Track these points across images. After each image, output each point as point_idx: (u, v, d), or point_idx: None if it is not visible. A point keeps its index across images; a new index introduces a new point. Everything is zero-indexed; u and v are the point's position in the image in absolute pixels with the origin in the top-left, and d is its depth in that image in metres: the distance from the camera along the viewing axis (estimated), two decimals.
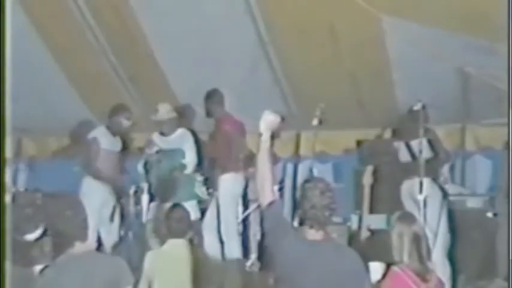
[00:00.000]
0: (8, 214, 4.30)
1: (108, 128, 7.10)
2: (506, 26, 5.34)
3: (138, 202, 7.05)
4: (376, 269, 4.40)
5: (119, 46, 7.67)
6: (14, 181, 8.44)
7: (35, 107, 8.14)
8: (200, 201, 7.10)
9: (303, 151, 8.13)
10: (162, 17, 7.14)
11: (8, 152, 7.64)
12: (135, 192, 7.12)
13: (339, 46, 7.09)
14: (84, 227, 3.97)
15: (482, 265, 6.72)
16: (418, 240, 4.26)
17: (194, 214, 6.57)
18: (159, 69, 7.74)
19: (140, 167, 7.09)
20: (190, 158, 7.07)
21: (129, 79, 8.06)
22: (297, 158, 8.27)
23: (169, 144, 7.07)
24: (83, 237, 3.95)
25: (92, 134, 7.05)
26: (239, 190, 6.99)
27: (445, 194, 6.68)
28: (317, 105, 6.66)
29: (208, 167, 7.21)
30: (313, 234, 3.88)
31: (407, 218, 4.45)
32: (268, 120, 3.86)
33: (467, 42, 6.49)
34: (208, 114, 7.13)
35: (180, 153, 7.07)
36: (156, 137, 7.13)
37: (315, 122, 6.59)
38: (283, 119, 3.97)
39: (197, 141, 7.26)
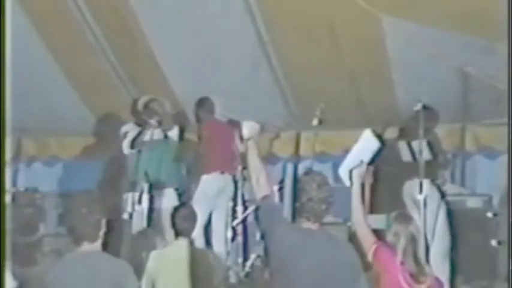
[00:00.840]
0: (8, 214, 4.30)
1: (137, 123, 7.05)
2: (506, 26, 5.35)
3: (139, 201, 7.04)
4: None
5: (119, 46, 7.67)
6: (14, 181, 8.44)
7: (35, 107, 8.15)
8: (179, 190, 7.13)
9: (303, 151, 8.12)
10: (162, 17, 7.14)
11: (8, 152, 7.64)
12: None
13: (339, 46, 7.09)
14: (97, 228, 3.96)
15: (482, 265, 6.72)
16: (414, 241, 4.25)
17: (171, 203, 6.56)
18: (159, 69, 7.74)
19: (127, 151, 6.91)
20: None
21: (129, 79, 8.07)
22: (297, 158, 8.26)
23: (154, 136, 6.90)
24: (93, 238, 3.95)
25: (124, 129, 7.02)
26: (213, 191, 7.11)
27: (443, 195, 6.68)
28: (317, 105, 6.66)
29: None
30: (309, 225, 3.95)
31: (405, 218, 4.43)
32: (249, 127, 4.25)
33: (467, 42, 6.49)
34: (198, 120, 7.36)
35: (163, 142, 6.99)
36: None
37: (315, 122, 6.60)
38: (262, 125, 4.42)
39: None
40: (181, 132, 7.22)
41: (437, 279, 4.40)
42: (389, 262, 4.19)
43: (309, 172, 4.30)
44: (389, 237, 4.28)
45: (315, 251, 3.85)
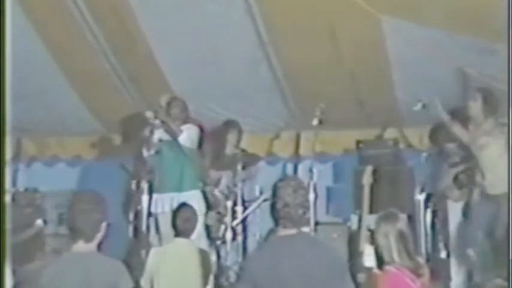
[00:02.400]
0: (8, 214, 4.31)
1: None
2: (506, 27, 5.35)
3: (138, 202, 7.03)
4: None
5: (119, 46, 7.67)
6: (14, 181, 8.44)
7: (35, 107, 8.16)
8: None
9: (303, 151, 8.13)
10: (161, 17, 7.14)
11: (8, 152, 7.64)
12: (135, 192, 7.12)
13: (339, 46, 7.08)
14: (96, 228, 3.95)
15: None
16: (403, 237, 4.26)
17: (197, 204, 6.42)
18: (159, 69, 7.74)
19: (146, 153, 6.84)
20: (188, 137, 6.89)
21: (129, 79, 8.06)
22: (297, 158, 8.27)
23: (163, 136, 6.91)
24: (89, 238, 3.94)
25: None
26: None
27: None
28: (317, 105, 6.67)
29: None
30: (287, 232, 3.86)
31: (391, 217, 4.44)
32: None
33: (467, 43, 6.49)
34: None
35: (176, 144, 6.90)
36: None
37: (315, 122, 6.61)
38: None
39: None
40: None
41: (432, 270, 4.44)
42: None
43: (283, 178, 4.21)
44: (380, 239, 4.29)
45: (296, 257, 3.76)
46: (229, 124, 7.79)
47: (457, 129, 6.17)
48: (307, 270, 3.73)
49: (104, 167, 8.41)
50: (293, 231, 3.86)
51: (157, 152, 6.74)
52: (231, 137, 7.72)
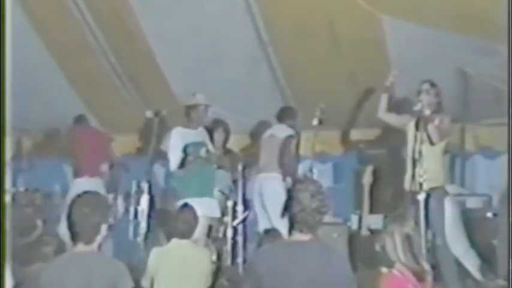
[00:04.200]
0: (8, 214, 4.30)
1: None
2: (506, 27, 5.35)
3: (138, 202, 7.03)
4: None
5: (119, 46, 7.68)
6: (14, 181, 8.44)
7: (34, 107, 8.16)
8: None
9: (303, 151, 8.13)
10: (162, 17, 7.15)
11: (8, 152, 7.64)
12: (136, 192, 7.11)
13: (338, 46, 7.09)
14: (95, 231, 3.94)
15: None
16: (410, 240, 4.26)
17: (211, 212, 6.63)
18: (159, 69, 7.74)
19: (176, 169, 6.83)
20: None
21: (129, 79, 8.07)
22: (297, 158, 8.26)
23: (195, 138, 6.83)
24: (89, 240, 3.93)
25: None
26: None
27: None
28: (317, 105, 6.67)
29: None
30: (301, 237, 3.83)
31: (399, 218, 4.44)
32: None
33: (467, 43, 6.49)
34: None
35: (203, 145, 6.85)
36: (179, 130, 6.84)
37: (315, 122, 6.61)
38: None
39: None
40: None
41: (433, 279, 4.42)
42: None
43: (302, 180, 4.17)
44: (386, 239, 4.29)
45: (307, 266, 3.73)
46: (216, 123, 7.71)
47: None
48: (317, 280, 3.71)
49: None
50: (307, 236, 3.83)
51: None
52: (217, 136, 7.64)
